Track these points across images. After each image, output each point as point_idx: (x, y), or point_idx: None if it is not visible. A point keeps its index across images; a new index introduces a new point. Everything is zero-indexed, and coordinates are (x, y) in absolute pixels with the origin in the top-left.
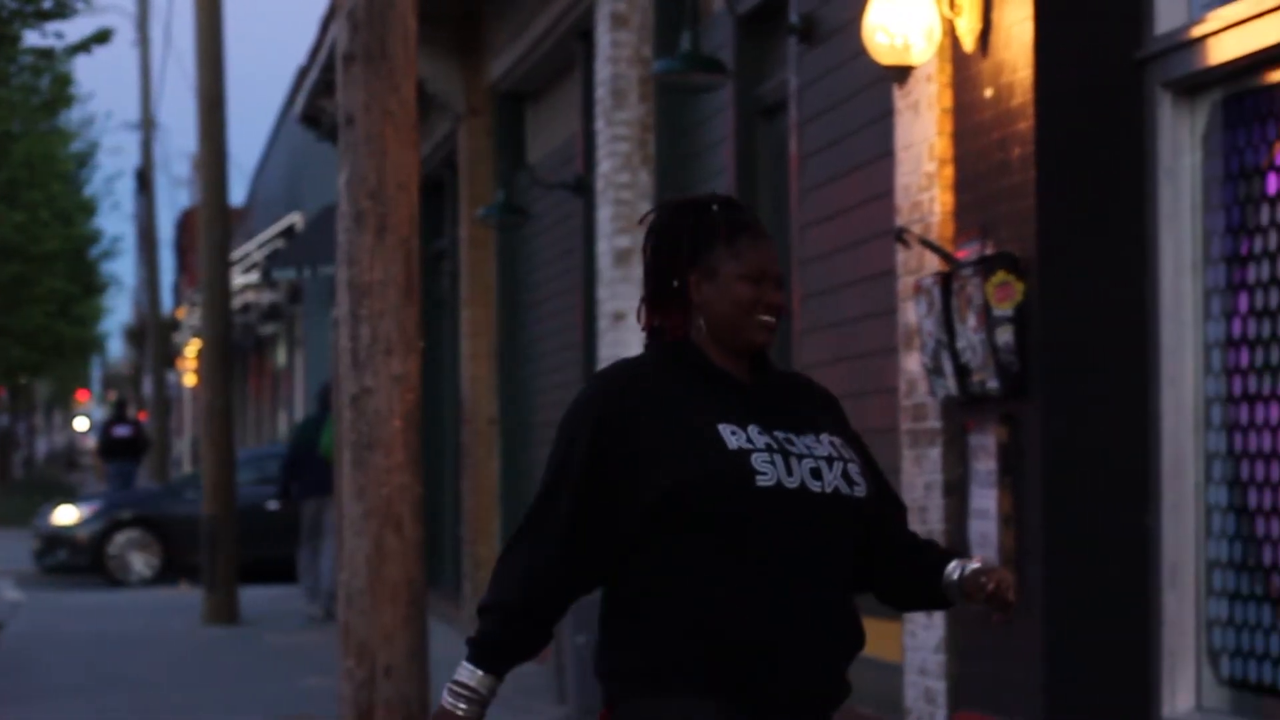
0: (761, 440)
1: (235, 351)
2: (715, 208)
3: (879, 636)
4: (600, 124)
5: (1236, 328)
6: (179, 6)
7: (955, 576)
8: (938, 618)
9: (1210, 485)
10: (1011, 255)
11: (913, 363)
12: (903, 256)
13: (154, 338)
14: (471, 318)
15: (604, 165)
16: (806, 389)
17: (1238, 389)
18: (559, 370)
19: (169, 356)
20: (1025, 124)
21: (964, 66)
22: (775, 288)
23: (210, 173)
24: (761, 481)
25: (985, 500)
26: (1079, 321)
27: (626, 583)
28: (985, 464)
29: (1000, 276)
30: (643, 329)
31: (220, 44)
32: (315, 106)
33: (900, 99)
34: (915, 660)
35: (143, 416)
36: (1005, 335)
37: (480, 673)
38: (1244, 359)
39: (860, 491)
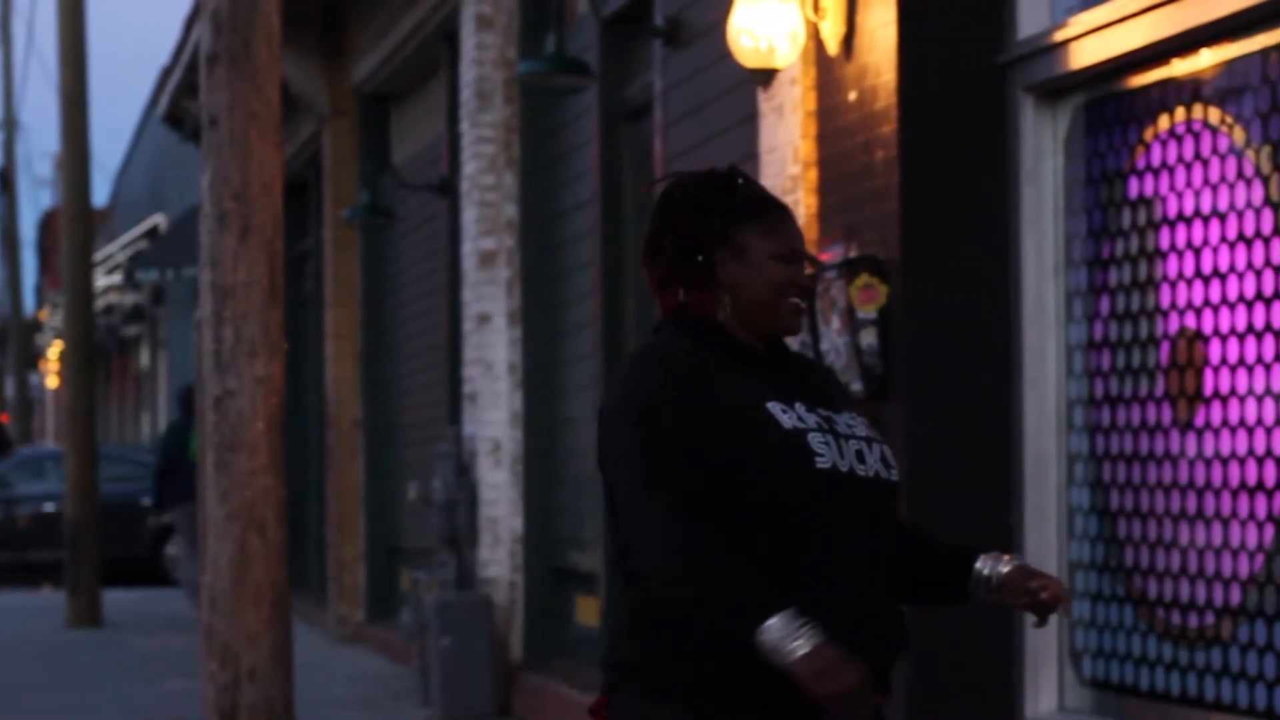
0: (811, 419)
1: (98, 353)
2: (740, 181)
3: None
4: (465, 126)
5: (1098, 330)
6: (42, 4)
7: (987, 572)
8: None
9: (1072, 487)
10: (875, 258)
11: None
12: None
13: (16, 339)
14: (336, 319)
15: (469, 167)
16: (820, 368)
17: (1099, 391)
18: (424, 372)
19: (31, 358)
20: (889, 127)
21: (828, 70)
22: (805, 268)
23: (72, 173)
24: (820, 463)
25: None
26: (942, 324)
27: None
28: None
29: (864, 279)
30: (664, 307)
31: (83, 42)
32: (179, 107)
33: (765, 102)
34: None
35: (4, 419)
36: (869, 338)
37: (774, 622)
38: (1105, 361)
39: (895, 475)
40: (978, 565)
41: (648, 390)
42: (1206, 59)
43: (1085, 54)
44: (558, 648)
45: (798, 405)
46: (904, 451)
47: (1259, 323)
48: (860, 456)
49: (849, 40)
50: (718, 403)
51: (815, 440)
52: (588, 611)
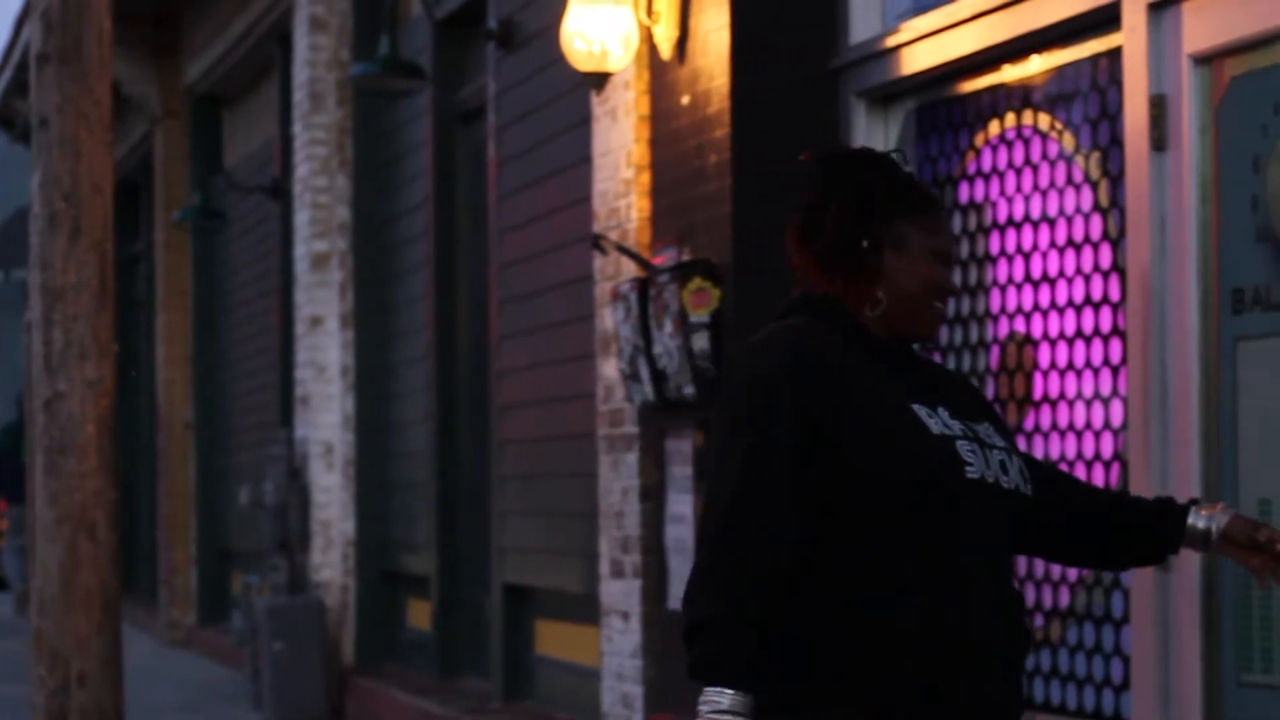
0: (956, 426)
1: None
2: (906, 169)
3: (577, 641)
4: (298, 128)
5: None
6: None
7: (1203, 525)
8: (634, 622)
9: None
10: (708, 262)
11: (610, 368)
12: (600, 262)
13: None
14: (167, 322)
15: (301, 169)
16: (957, 377)
17: None
18: (255, 375)
19: None
20: (721, 131)
21: (661, 74)
22: (952, 272)
23: None
24: (970, 473)
25: (682, 505)
26: None
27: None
28: (682, 469)
29: (696, 283)
30: (816, 289)
31: None
32: (9, 107)
33: (598, 105)
34: (613, 665)
35: None
36: (701, 341)
37: (736, 694)
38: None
39: (1029, 490)
40: (1191, 520)
41: (767, 382)
42: (1037, 65)
43: (917, 60)
44: (390, 651)
45: (940, 410)
46: None
47: (1088, 327)
48: (1003, 467)
49: (682, 44)
50: (855, 399)
51: (964, 448)
52: (420, 615)
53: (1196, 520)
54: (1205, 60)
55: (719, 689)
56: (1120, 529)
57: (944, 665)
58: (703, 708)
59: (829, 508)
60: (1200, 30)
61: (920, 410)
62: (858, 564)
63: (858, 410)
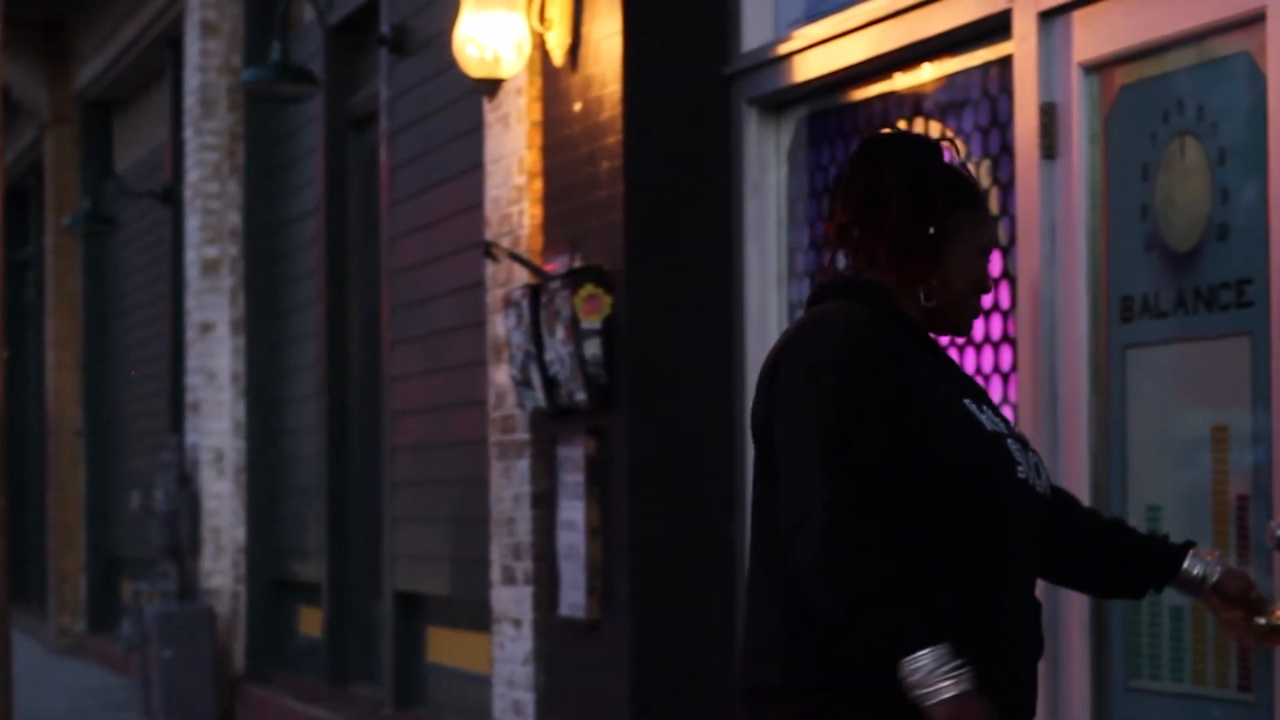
0: (1001, 424)
1: None
2: (960, 161)
3: (468, 648)
4: (189, 133)
5: None
6: None
7: (1199, 572)
8: (525, 629)
9: None
10: (600, 268)
11: (502, 375)
12: (492, 269)
13: None
14: (56, 328)
15: (192, 175)
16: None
17: None
18: (146, 381)
19: None
20: (614, 138)
21: (554, 80)
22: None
23: None
24: (1020, 472)
25: (573, 512)
26: (666, 334)
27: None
28: (573, 476)
29: (588, 289)
30: (866, 272)
31: None
32: None
33: (490, 112)
34: (504, 672)
35: None
36: (593, 348)
37: (930, 650)
38: None
39: (1048, 492)
40: (1189, 564)
41: (840, 360)
42: (928, 73)
43: (808, 67)
44: (280, 658)
45: (985, 408)
46: (627, 461)
47: (978, 335)
48: (1038, 470)
49: (575, 51)
50: (917, 388)
51: (1013, 448)
52: (310, 622)
53: (1194, 565)
54: (1095, 69)
55: (912, 657)
56: (1116, 558)
57: (982, 663)
58: (914, 678)
59: (890, 491)
60: (1090, 39)
61: (971, 406)
62: (907, 552)
63: (921, 400)
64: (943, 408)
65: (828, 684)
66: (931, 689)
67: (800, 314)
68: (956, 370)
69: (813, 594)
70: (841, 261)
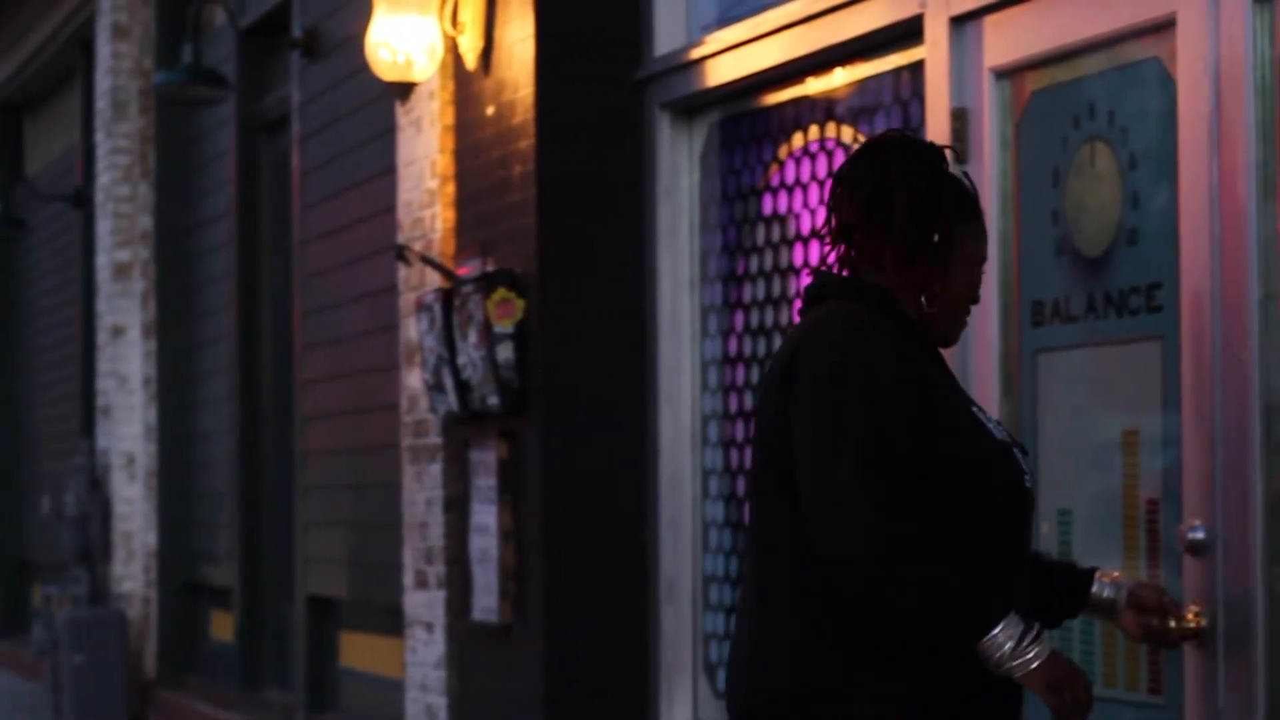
0: (1003, 433)
1: None
2: (961, 170)
3: (380, 652)
4: (100, 136)
5: (732, 346)
6: None
7: (1109, 595)
8: (438, 633)
9: (706, 501)
10: (512, 272)
11: (414, 379)
12: (404, 273)
13: None
14: None
15: (104, 178)
16: None
17: (733, 406)
18: (57, 385)
19: None
20: (526, 142)
21: (466, 84)
22: None
23: None
24: (1027, 482)
25: (486, 516)
26: (579, 338)
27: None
28: (486, 480)
29: (501, 294)
30: (870, 276)
31: None
32: None
33: (402, 115)
34: (416, 676)
35: None
36: (506, 352)
37: (1003, 628)
38: (739, 377)
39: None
40: (1096, 589)
41: (869, 356)
42: (840, 78)
43: (720, 72)
44: (192, 663)
45: (988, 417)
46: (540, 465)
47: None
48: (1031, 478)
49: (487, 55)
50: (933, 395)
51: (1019, 457)
52: (222, 626)
53: (1102, 590)
54: (1006, 74)
55: (990, 635)
56: (1041, 590)
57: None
58: (999, 654)
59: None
60: (1001, 45)
61: (979, 414)
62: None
63: (939, 405)
64: (959, 413)
65: (863, 695)
66: (1023, 659)
67: (795, 310)
68: (954, 377)
69: (867, 596)
70: (834, 260)
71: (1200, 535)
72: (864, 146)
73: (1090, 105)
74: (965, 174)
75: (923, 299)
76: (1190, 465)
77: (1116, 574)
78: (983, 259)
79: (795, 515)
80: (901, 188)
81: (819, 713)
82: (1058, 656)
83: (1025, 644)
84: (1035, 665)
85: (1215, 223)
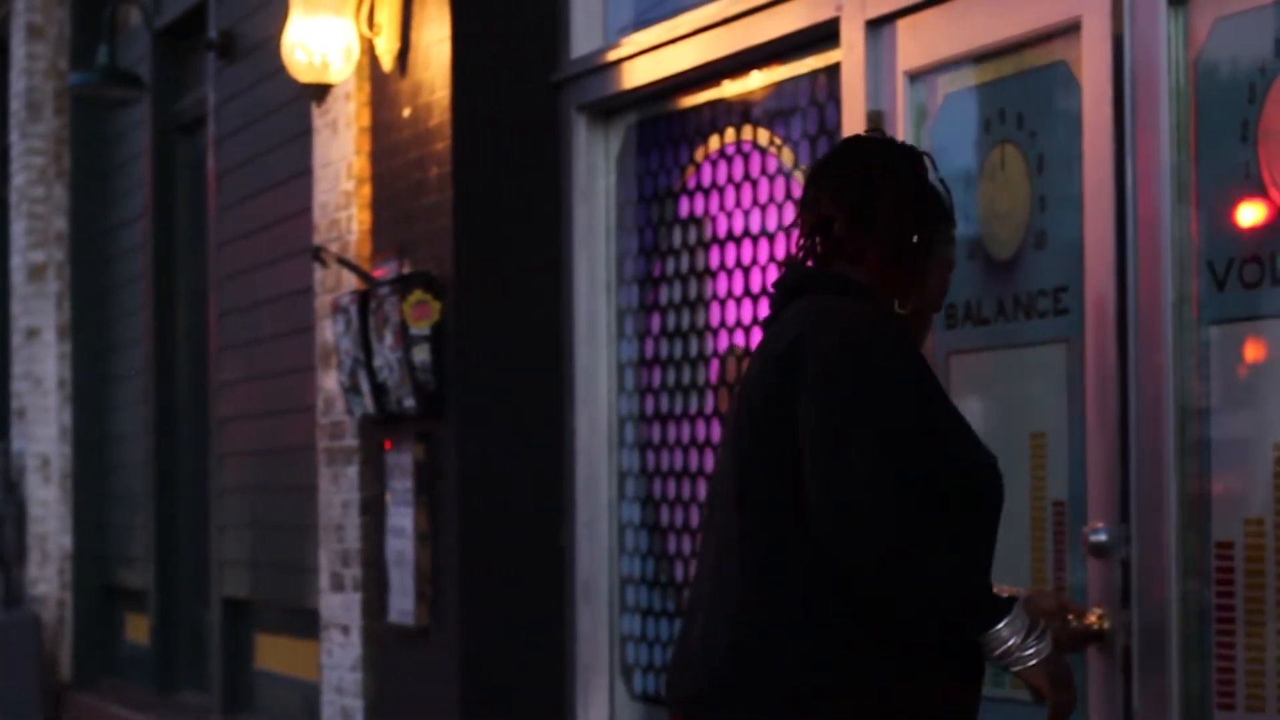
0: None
1: None
2: (940, 178)
3: (296, 654)
4: (14, 137)
5: (649, 348)
6: None
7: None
8: (354, 636)
9: (623, 502)
10: (429, 274)
11: (330, 381)
12: (321, 275)
13: None
14: None
15: (18, 179)
16: None
17: (650, 408)
18: None
19: None
20: (442, 144)
21: (383, 86)
22: None
23: None
24: (1003, 489)
25: (402, 518)
26: (496, 341)
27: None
28: (402, 482)
29: (417, 295)
30: (854, 273)
31: None
32: None
33: (319, 117)
34: (332, 679)
35: None
36: (422, 354)
37: (1004, 624)
38: (656, 379)
39: None
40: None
41: (879, 356)
42: (757, 80)
43: (637, 74)
44: (108, 666)
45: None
46: (456, 468)
47: None
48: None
49: (404, 56)
50: (933, 396)
51: (998, 465)
52: (138, 629)
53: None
54: (919, 77)
55: (995, 630)
56: None
57: (975, 671)
58: (1002, 648)
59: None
60: (914, 48)
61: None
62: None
63: (938, 404)
64: (954, 416)
65: (861, 689)
66: (1026, 653)
67: (773, 302)
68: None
69: (883, 586)
70: (804, 253)
71: (1103, 538)
72: (849, 143)
73: (1000, 109)
74: (941, 180)
75: (896, 301)
76: (1094, 468)
77: (1008, 588)
78: (953, 265)
79: (794, 506)
80: (889, 188)
81: (816, 704)
82: (1058, 654)
83: (1032, 638)
84: (1042, 659)
85: (1131, 226)
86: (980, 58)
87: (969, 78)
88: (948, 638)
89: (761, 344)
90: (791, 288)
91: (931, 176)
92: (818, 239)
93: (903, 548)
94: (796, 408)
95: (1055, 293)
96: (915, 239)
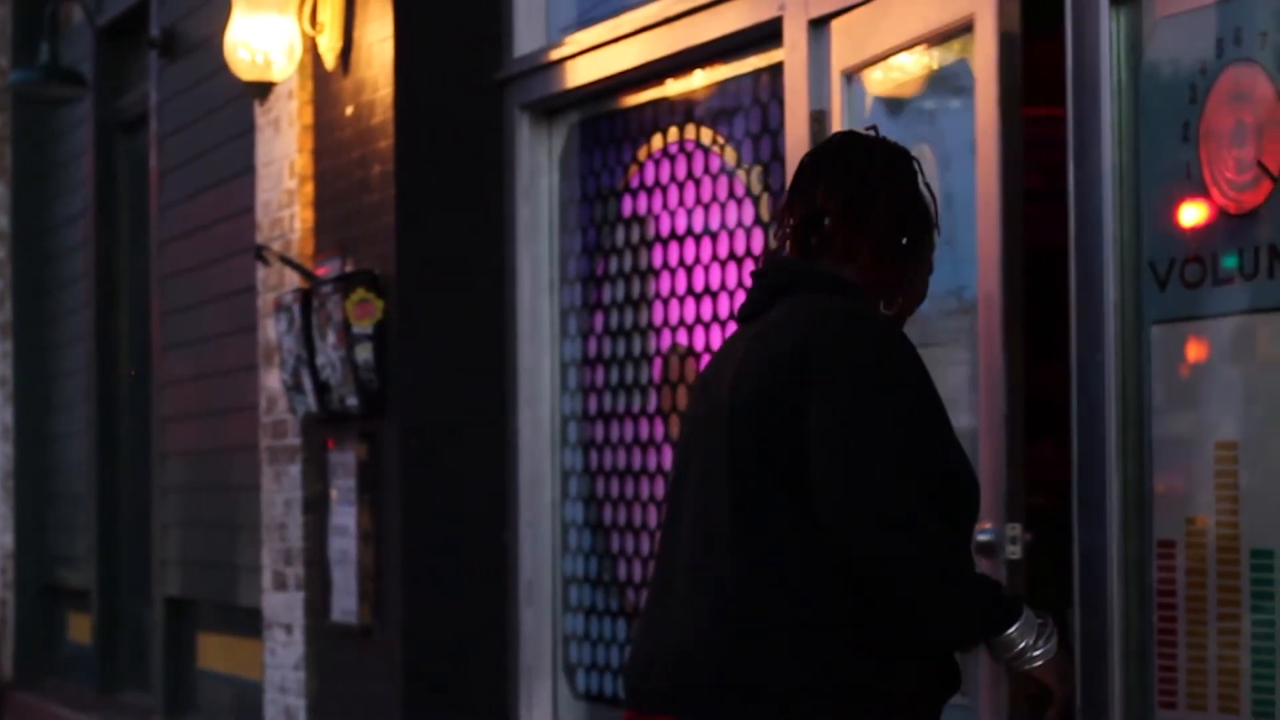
0: None
1: None
2: (926, 179)
3: (239, 654)
4: None
5: (592, 347)
6: None
7: None
8: (296, 635)
9: (566, 502)
10: (371, 273)
11: (273, 380)
12: (263, 273)
13: None
14: None
15: None
16: None
17: (593, 407)
18: None
19: None
20: (385, 142)
21: (325, 84)
22: None
23: None
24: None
25: (345, 517)
26: (438, 340)
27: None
28: (345, 481)
29: (360, 294)
30: (845, 271)
31: None
32: None
33: (261, 115)
34: (275, 678)
35: None
36: (365, 353)
37: (1016, 627)
38: (599, 378)
39: None
40: None
41: (898, 359)
42: (700, 80)
43: (580, 73)
44: (49, 665)
45: None
46: (399, 467)
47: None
48: None
49: (346, 55)
50: (937, 404)
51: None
52: (80, 629)
53: None
54: (852, 76)
55: (1008, 632)
56: None
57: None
58: (1017, 648)
59: None
60: (846, 47)
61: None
62: None
63: (942, 413)
64: (949, 424)
65: (849, 689)
66: (1037, 654)
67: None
68: None
69: (911, 589)
70: (790, 247)
71: (988, 538)
72: (845, 139)
73: (918, 108)
74: (927, 185)
75: (883, 301)
76: (983, 469)
77: None
78: (933, 269)
79: (796, 508)
80: (884, 188)
81: (813, 704)
82: (1063, 653)
83: (1041, 639)
84: (1052, 657)
85: (1073, 226)
86: (898, 56)
87: (892, 76)
88: (962, 642)
89: (751, 339)
90: (782, 284)
91: (920, 181)
92: (809, 232)
93: (931, 555)
94: (808, 410)
95: (959, 291)
96: (905, 241)
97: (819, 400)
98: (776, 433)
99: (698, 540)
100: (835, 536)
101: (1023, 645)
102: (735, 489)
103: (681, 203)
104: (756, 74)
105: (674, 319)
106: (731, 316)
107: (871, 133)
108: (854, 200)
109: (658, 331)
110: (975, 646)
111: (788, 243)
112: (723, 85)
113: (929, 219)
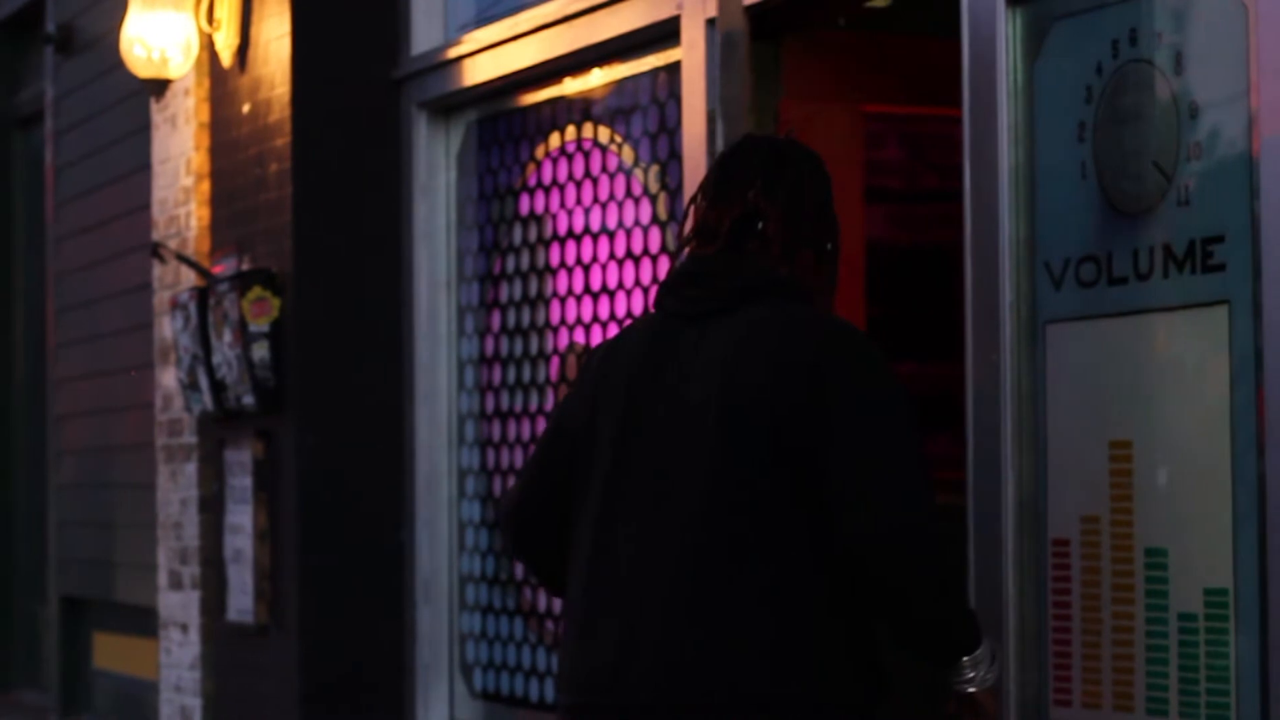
0: None
1: None
2: None
3: (135, 653)
4: None
5: (489, 345)
6: None
7: None
8: (192, 634)
9: (463, 500)
10: (268, 271)
11: (169, 378)
12: (159, 271)
13: None
14: None
15: None
16: None
17: (490, 406)
18: None
19: None
20: (282, 140)
21: (222, 81)
22: None
23: None
24: None
25: (241, 516)
26: (335, 338)
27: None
28: (241, 480)
29: (256, 292)
30: (806, 283)
31: None
32: None
33: (158, 112)
34: (171, 677)
35: None
36: (261, 351)
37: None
38: (496, 376)
39: None
40: None
41: (888, 367)
42: (598, 78)
43: (478, 71)
44: None
45: None
46: (295, 466)
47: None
48: None
49: (243, 52)
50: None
51: None
52: None
53: None
54: None
55: (974, 654)
56: None
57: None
58: (971, 671)
59: None
60: None
61: None
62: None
63: None
64: None
65: (836, 700)
66: (990, 675)
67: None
68: None
69: (919, 594)
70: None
71: None
72: (770, 143)
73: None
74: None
75: (820, 306)
76: None
77: None
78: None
79: (795, 515)
80: (811, 193)
81: (799, 714)
82: (997, 684)
83: (994, 663)
84: (990, 686)
85: (969, 225)
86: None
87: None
88: (947, 657)
89: (732, 344)
90: (747, 289)
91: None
92: (744, 234)
93: (951, 572)
94: (821, 425)
95: None
96: (830, 246)
97: (844, 419)
98: (784, 443)
99: (663, 546)
100: (859, 547)
101: (982, 666)
102: (722, 494)
103: (579, 201)
104: (654, 73)
105: (571, 318)
106: (629, 315)
107: (792, 137)
108: (791, 204)
109: (555, 330)
110: (953, 663)
111: (718, 240)
112: (620, 84)
113: (838, 229)
